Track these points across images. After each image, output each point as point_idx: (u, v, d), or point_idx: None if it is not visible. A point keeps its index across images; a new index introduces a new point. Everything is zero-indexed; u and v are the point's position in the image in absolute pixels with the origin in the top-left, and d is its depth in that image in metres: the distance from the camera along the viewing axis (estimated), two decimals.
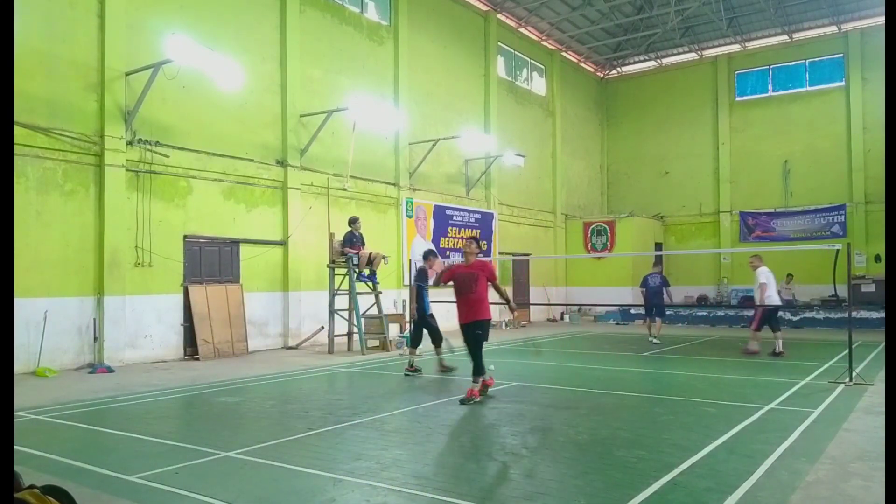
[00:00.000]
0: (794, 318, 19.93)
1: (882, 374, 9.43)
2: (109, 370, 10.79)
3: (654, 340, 15.18)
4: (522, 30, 23.43)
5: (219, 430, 6.52)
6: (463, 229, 20.04)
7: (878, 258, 21.76)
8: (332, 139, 15.58)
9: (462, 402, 7.68)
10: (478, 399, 7.82)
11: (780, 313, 14.30)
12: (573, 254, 25.09)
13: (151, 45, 11.95)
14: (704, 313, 21.68)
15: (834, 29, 23.45)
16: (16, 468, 2.58)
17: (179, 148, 12.66)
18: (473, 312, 8.02)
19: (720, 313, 21.43)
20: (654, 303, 15.12)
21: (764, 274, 12.45)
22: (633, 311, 21.94)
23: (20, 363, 10.19)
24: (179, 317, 12.63)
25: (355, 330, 13.63)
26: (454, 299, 8.28)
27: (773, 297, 12.51)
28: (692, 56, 26.50)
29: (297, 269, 14.74)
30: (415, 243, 18.18)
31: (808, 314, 19.76)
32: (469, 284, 8.02)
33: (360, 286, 13.54)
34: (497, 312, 21.33)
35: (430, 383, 9.41)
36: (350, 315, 13.82)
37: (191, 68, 11.86)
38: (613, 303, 21.74)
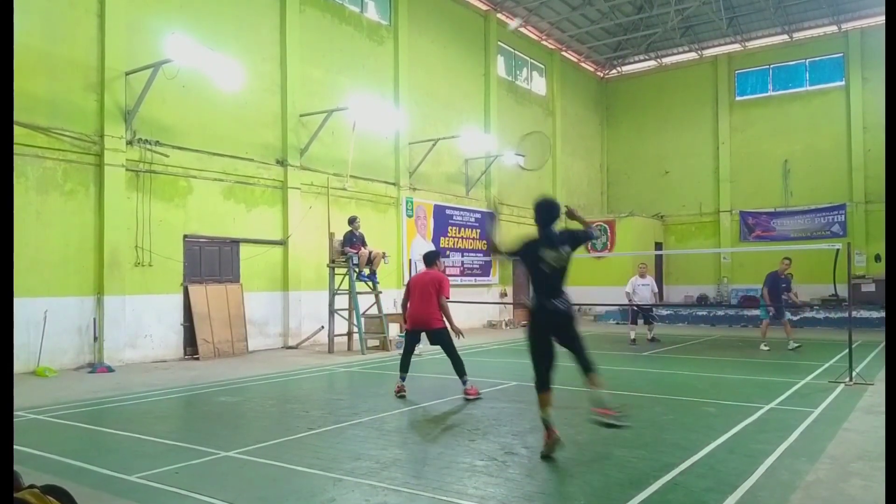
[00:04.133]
0: (795, 318, 19.88)
1: (882, 374, 9.43)
2: (109, 370, 10.80)
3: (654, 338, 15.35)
4: (522, 29, 23.42)
5: (219, 430, 6.52)
6: (463, 229, 20.05)
7: (878, 258, 21.76)
8: (332, 139, 15.58)
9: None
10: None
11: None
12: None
13: (151, 45, 11.95)
14: (704, 313, 21.67)
15: (834, 28, 23.45)
16: (16, 468, 2.58)
17: (179, 148, 12.66)
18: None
19: (720, 313, 21.42)
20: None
21: (630, 283, 15.08)
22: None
23: (20, 363, 10.19)
24: (179, 316, 12.63)
25: (355, 330, 13.63)
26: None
27: (642, 297, 14.77)
28: (692, 56, 26.49)
29: (297, 268, 14.74)
30: (415, 243, 18.19)
31: (808, 314, 19.73)
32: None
33: (360, 286, 13.54)
34: (497, 313, 21.34)
35: (430, 384, 9.41)
36: (350, 315, 13.82)
37: (191, 68, 11.87)
38: (613, 303, 21.71)
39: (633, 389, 9.00)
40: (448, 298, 8.33)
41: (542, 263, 5.38)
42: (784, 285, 13.63)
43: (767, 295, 13.52)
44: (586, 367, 5.41)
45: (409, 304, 8.44)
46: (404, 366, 8.46)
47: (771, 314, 13.58)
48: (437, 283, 8.27)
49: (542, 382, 5.53)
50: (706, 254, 24.86)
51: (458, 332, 8.33)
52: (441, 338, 8.31)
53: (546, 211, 5.56)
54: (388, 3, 17.91)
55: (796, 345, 13.06)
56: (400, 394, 8.28)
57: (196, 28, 12.74)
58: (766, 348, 13.15)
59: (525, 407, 7.63)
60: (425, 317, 8.26)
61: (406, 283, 8.63)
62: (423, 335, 8.43)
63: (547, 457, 5.29)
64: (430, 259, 8.66)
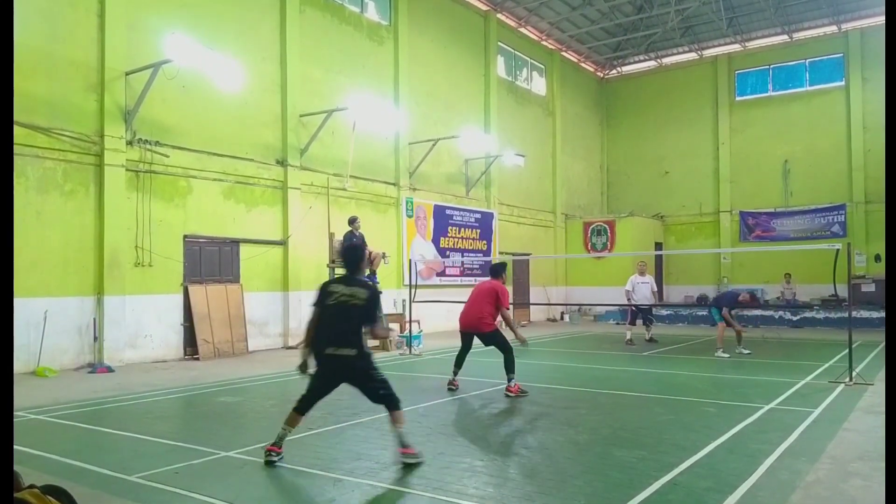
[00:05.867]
0: (794, 318, 19.92)
1: (882, 374, 9.43)
2: (109, 370, 10.79)
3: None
4: (522, 30, 23.43)
5: (219, 430, 6.52)
6: (463, 229, 20.05)
7: (878, 258, 21.76)
8: (332, 139, 15.58)
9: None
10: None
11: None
12: (573, 254, 25.08)
13: (151, 45, 11.94)
14: (704, 313, 21.62)
15: (834, 29, 23.44)
16: (16, 468, 2.58)
17: (179, 148, 12.66)
18: None
19: None
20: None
21: (630, 281, 15.16)
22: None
23: (20, 363, 10.18)
24: (179, 317, 12.63)
25: None
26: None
27: (642, 295, 14.84)
28: (692, 56, 26.49)
29: (297, 268, 14.74)
30: (415, 243, 18.19)
31: (808, 314, 19.75)
32: None
33: None
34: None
35: (429, 384, 9.41)
36: None
37: (191, 68, 11.86)
38: (613, 303, 21.75)
39: (633, 389, 9.01)
40: (507, 308, 8.80)
41: (330, 299, 5.14)
42: (734, 311, 13.32)
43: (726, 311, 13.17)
44: (389, 405, 5.26)
45: (464, 307, 8.93)
46: (458, 362, 8.92)
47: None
48: (494, 293, 8.67)
49: (304, 408, 5.36)
50: (706, 254, 24.86)
51: (521, 340, 8.61)
52: (493, 339, 8.64)
53: (346, 258, 5.61)
54: (388, 3, 17.91)
55: (726, 355, 12.36)
56: (450, 387, 8.73)
57: (196, 28, 12.73)
58: (747, 351, 12.64)
59: (525, 407, 7.64)
60: (474, 320, 8.66)
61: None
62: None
63: (267, 462, 5.12)
64: (496, 271, 9.11)
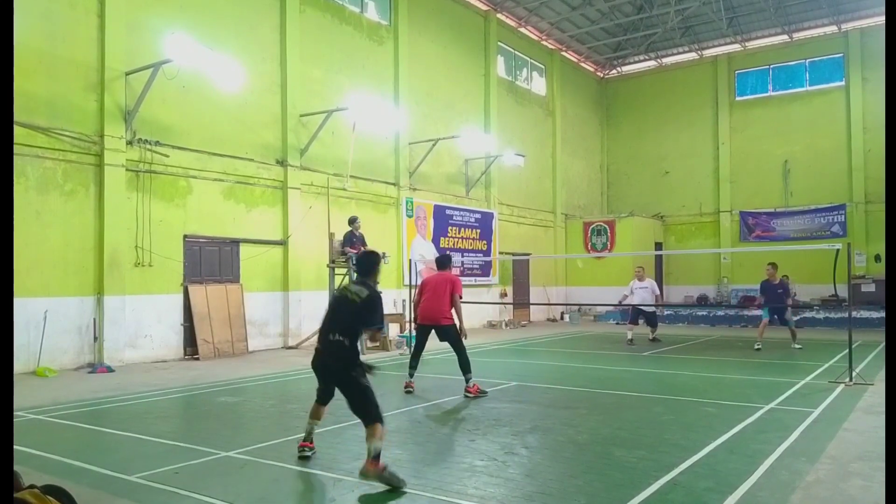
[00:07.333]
0: (794, 318, 19.90)
1: (882, 374, 9.43)
2: (109, 370, 10.79)
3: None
4: (522, 29, 23.43)
5: (219, 430, 6.52)
6: (463, 229, 20.04)
7: (878, 258, 21.76)
8: (332, 139, 15.58)
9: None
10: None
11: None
12: (573, 254, 25.10)
13: (151, 45, 11.94)
14: (704, 313, 21.67)
15: (834, 29, 23.44)
16: (16, 468, 2.58)
17: (179, 148, 12.66)
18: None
19: (720, 313, 21.42)
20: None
21: (629, 287, 15.25)
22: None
23: (20, 363, 10.18)
24: (179, 317, 12.63)
25: None
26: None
27: (642, 299, 14.82)
28: (692, 56, 26.49)
29: (297, 268, 14.74)
30: (415, 243, 18.19)
31: (808, 314, 19.75)
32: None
33: None
34: (497, 313, 21.35)
35: (430, 384, 9.41)
36: None
37: (191, 68, 11.87)
38: (613, 303, 21.74)
39: (633, 389, 9.01)
40: (461, 297, 8.63)
41: (337, 291, 5.56)
42: (781, 290, 13.68)
43: (764, 302, 13.87)
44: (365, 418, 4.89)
45: (420, 301, 8.72)
46: (414, 363, 8.72)
47: (773, 317, 13.70)
48: (450, 283, 8.60)
49: (322, 398, 5.62)
50: (706, 254, 24.87)
51: (464, 333, 8.56)
52: (449, 334, 8.54)
53: (359, 264, 5.98)
54: (388, 3, 17.90)
55: (799, 346, 13.34)
56: (407, 389, 8.55)
57: (196, 28, 12.73)
58: (759, 348, 13.24)
59: (525, 407, 7.64)
60: (435, 313, 8.52)
61: (419, 282, 9.05)
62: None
63: (301, 457, 5.27)
64: (443, 262, 9.00)
